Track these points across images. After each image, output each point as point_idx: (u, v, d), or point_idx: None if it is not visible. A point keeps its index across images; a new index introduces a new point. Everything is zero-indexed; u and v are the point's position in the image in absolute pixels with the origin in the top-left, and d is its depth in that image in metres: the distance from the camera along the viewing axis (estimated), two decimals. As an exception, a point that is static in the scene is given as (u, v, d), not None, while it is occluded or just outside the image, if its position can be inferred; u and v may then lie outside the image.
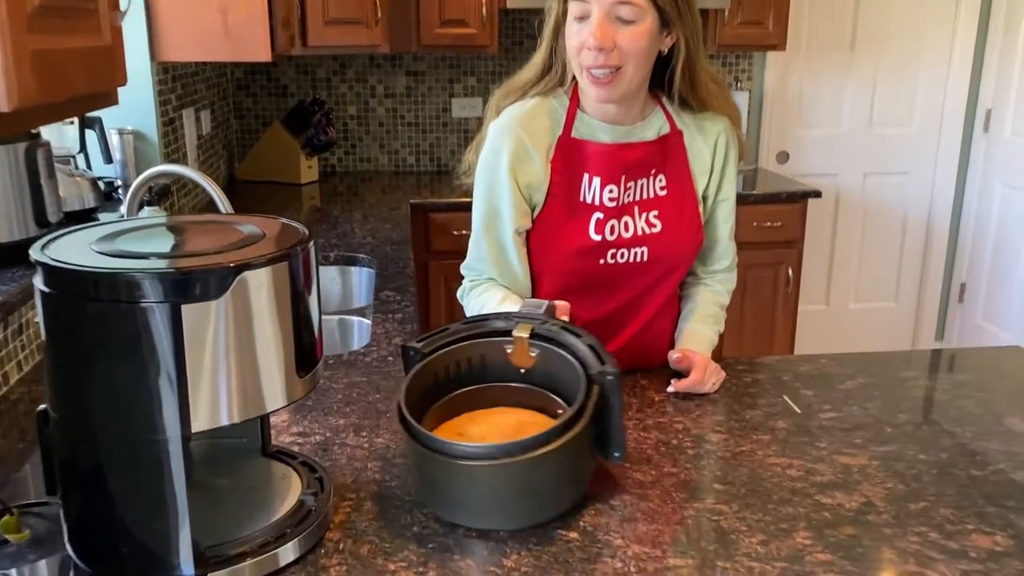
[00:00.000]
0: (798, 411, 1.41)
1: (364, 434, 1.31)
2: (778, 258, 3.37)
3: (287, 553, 1.00)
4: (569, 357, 1.15)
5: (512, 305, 1.41)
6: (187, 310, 0.87)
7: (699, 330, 1.58)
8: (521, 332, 1.17)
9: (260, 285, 0.91)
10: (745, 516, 1.10)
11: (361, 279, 2.16)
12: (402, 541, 1.05)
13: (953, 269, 4.22)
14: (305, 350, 0.98)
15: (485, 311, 1.45)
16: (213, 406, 0.90)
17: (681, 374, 1.48)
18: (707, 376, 1.45)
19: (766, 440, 1.31)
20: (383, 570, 0.99)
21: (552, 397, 1.19)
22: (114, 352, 0.88)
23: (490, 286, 1.51)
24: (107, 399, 0.90)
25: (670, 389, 1.45)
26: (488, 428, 1.14)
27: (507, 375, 1.20)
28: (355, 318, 1.94)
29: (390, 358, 1.61)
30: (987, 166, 3.99)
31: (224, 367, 0.90)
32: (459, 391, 1.19)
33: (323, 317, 1.96)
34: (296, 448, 1.27)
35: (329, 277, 2.13)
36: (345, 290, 2.15)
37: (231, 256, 0.92)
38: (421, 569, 0.99)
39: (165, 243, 1.00)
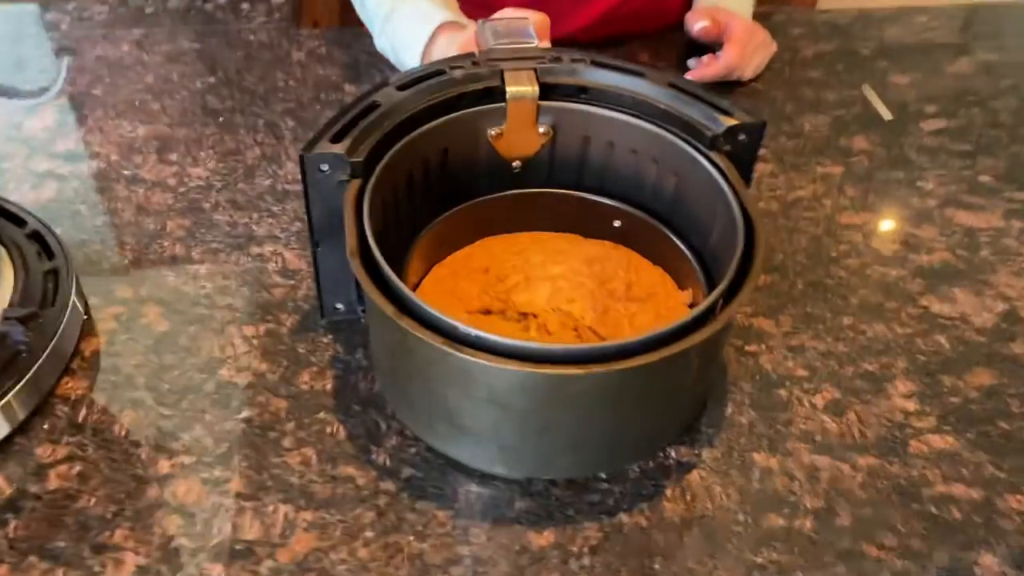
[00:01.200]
0: (887, 116, 0.88)
1: (175, 157, 0.79)
2: None
3: (-38, 450, 0.54)
4: (629, 118, 0.60)
5: (437, 7, 0.78)
6: None
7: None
8: (520, 87, 0.59)
9: None
10: (803, 344, 0.64)
11: None
12: (196, 404, 0.58)
13: None
14: None
15: (394, 24, 0.81)
16: None
17: (706, 48, 0.92)
18: (749, 53, 0.89)
19: (837, 176, 0.80)
20: (146, 477, 0.54)
21: (593, 199, 0.65)
22: None
23: None
24: None
25: (688, 77, 0.90)
26: (552, 292, 0.59)
27: (499, 178, 0.63)
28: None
29: None
30: None
31: None
32: (433, 224, 0.63)
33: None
34: (52, 186, 0.75)
35: None
36: None
37: None
38: (220, 472, 0.55)
39: None
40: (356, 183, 0.54)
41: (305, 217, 0.56)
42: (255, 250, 0.70)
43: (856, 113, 0.88)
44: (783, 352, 0.63)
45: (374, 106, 0.57)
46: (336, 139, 0.54)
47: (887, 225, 0.75)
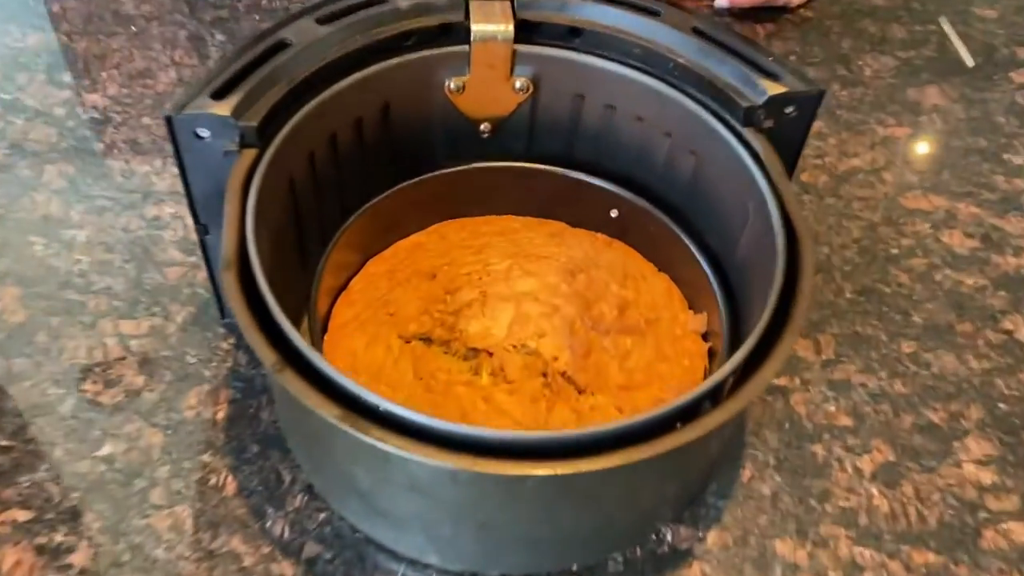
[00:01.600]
0: (969, 61, 0.70)
1: (69, 78, 0.63)
2: None
3: None
4: (637, 74, 0.43)
5: None
6: None
7: None
8: (489, 24, 0.42)
9: None
10: (849, 379, 0.49)
11: None
12: (45, 432, 0.44)
13: None
14: None
15: None
16: None
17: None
18: (800, -27, 0.71)
19: (901, 140, 0.64)
20: (-34, 537, 0.41)
21: (584, 180, 0.48)
22: None
23: None
24: None
25: (720, 3, 0.72)
26: (515, 321, 0.43)
27: (461, 146, 0.47)
28: None
29: None
30: None
31: None
32: (367, 206, 0.46)
33: None
34: None
35: None
36: None
37: None
38: (62, 537, 0.41)
39: None
40: (250, 155, 0.39)
41: (182, 197, 0.41)
42: (151, 212, 0.54)
43: (929, 56, 0.70)
44: (822, 390, 0.49)
45: (281, 46, 0.40)
46: (220, 94, 0.38)
47: (963, 212, 0.59)
